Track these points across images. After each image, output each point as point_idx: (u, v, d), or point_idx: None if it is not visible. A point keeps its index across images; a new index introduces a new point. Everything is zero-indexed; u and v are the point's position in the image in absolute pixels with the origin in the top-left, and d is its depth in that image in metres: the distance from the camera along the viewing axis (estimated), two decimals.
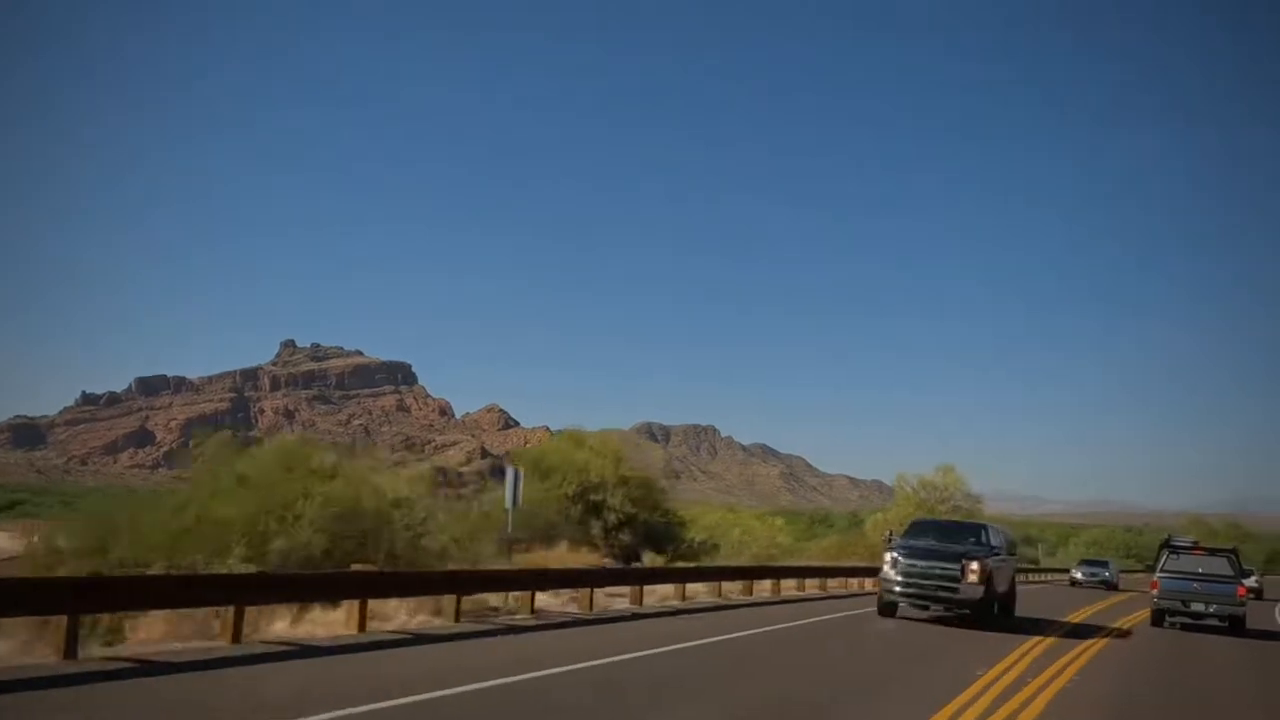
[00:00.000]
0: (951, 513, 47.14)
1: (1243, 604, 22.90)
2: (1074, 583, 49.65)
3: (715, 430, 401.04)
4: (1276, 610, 39.56)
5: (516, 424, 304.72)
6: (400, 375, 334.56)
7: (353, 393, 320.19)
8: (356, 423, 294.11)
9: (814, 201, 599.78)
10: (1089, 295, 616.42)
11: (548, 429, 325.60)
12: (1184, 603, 23.02)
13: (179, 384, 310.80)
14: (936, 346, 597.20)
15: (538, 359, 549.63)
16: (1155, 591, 23.71)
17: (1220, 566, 23.51)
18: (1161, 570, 23.94)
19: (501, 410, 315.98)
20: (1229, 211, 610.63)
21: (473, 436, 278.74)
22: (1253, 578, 50.43)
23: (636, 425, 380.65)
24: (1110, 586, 47.82)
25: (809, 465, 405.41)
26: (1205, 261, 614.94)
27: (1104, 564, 53.74)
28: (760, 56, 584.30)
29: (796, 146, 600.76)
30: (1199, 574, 23.20)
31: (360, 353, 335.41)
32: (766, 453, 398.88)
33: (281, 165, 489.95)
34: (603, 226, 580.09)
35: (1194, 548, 24.82)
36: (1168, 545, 24.85)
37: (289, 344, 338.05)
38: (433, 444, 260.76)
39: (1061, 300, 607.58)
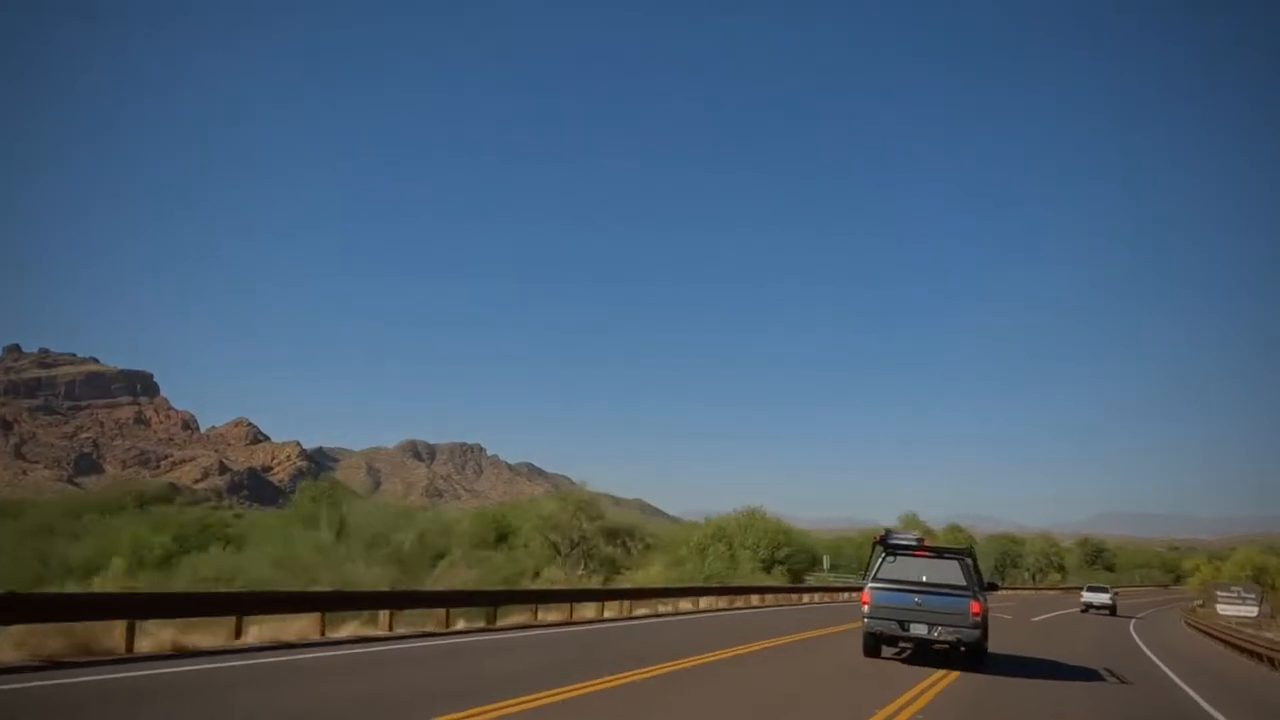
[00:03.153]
0: None
1: (979, 625, 16.92)
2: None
3: (482, 449, 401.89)
4: (1132, 626, 35.00)
5: (266, 439, 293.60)
6: (140, 385, 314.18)
7: (84, 403, 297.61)
8: (85, 435, 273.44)
9: (585, 218, 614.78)
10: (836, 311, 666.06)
11: (299, 445, 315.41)
12: (901, 624, 17.15)
13: None
14: (704, 360, 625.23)
15: (296, 373, 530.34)
16: (866, 608, 17.61)
17: (950, 573, 17.47)
18: (874, 579, 17.71)
19: (251, 424, 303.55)
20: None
21: (216, 452, 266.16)
22: (1108, 594, 51.81)
23: (402, 443, 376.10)
24: None
25: (573, 484, 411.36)
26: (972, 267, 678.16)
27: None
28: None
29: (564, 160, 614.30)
30: (922, 584, 17.28)
31: (95, 360, 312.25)
32: (533, 471, 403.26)
33: (21, 163, 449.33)
34: (370, 242, 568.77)
35: (917, 547, 18.25)
36: (883, 543, 18.40)
37: (13, 349, 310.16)
38: (169, 459, 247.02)
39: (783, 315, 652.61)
